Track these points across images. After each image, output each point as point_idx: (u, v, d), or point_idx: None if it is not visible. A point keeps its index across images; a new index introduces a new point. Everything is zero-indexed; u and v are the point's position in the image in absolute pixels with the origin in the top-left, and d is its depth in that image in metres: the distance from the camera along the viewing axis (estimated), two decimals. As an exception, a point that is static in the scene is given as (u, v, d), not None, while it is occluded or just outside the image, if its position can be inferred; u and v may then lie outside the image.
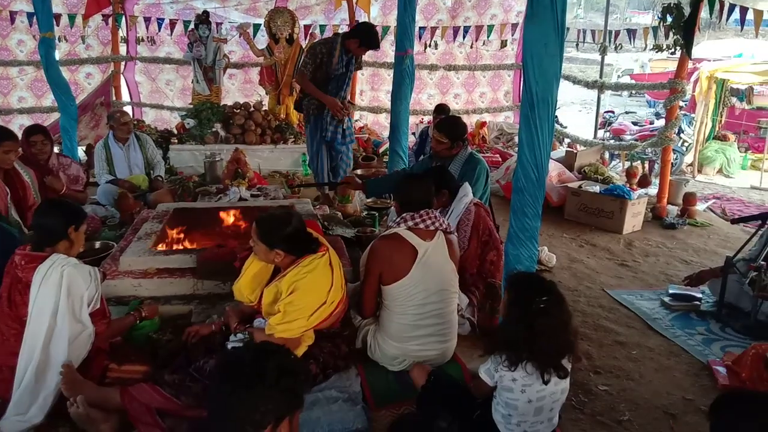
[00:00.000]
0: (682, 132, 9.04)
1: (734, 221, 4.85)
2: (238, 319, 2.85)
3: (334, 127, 5.48)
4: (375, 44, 5.38)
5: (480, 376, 2.33)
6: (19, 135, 7.23)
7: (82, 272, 2.60)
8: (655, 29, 6.62)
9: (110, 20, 8.73)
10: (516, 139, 8.73)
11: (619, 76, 19.21)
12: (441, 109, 6.82)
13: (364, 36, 5.24)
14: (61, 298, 2.51)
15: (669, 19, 5.63)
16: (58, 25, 7.76)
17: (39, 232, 2.71)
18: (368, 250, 2.98)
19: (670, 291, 4.12)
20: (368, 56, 9.53)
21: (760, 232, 3.96)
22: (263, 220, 2.72)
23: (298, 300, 2.60)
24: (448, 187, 3.51)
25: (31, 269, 2.54)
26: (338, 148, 5.59)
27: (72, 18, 8.34)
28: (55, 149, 5.11)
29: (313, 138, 5.57)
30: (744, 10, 5.65)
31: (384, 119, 9.60)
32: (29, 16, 7.95)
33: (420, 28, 8.68)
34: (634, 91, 17.87)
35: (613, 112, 13.45)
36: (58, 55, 6.51)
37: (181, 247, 4.26)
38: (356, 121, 9.65)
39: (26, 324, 2.52)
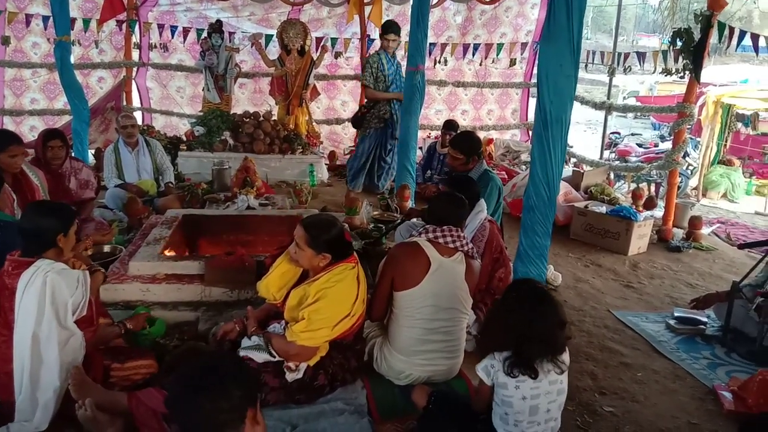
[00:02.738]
0: (688, 156, 9.09)
1: (741, 246, 4.86)
2: (257, 322, 2.86)
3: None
4: (384, 28, 6.60)
5: (480, 379, 2.34)
6: (31, 137, 7.33)
7: (67, 278, 2.53)
8: (665, 53, 6.67)
9: (124, 26, 8.81)
10: (522, 156, 8.77)
11: (624, 98, 19.35)
12: (450, 125, 6.86)
13: (382, 27, 6.70)
14: (46, 304, 2.47)
15: (679, 43, 5.69)
16: (72, 29, 7.83)
17: (26, 239, 2.60)
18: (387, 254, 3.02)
19: (676, 314, 4.11)
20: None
21: (766, 258, 3.96)
22: (312, 225, 2.70)
23: (325, 308, 2.61)
24: (468, 199, 3.51)
25: (16, 275, 2.50)
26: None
27: (86, 22, 8.42)
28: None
29: (369, 144, 6.71)
30: (755, 37, 5.69)
31: (391, 133, 9.66)
32: (44, 19, 8.04)
33: (430, 44, 8.74)
34: (639, 113, 17.96)
35: (619, 133, 13.50)
36: (72, 59, 6.57)
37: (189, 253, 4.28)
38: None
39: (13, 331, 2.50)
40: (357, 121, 6.68)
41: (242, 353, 2.69)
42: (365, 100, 7.00)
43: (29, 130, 8.53)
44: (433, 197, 3.13)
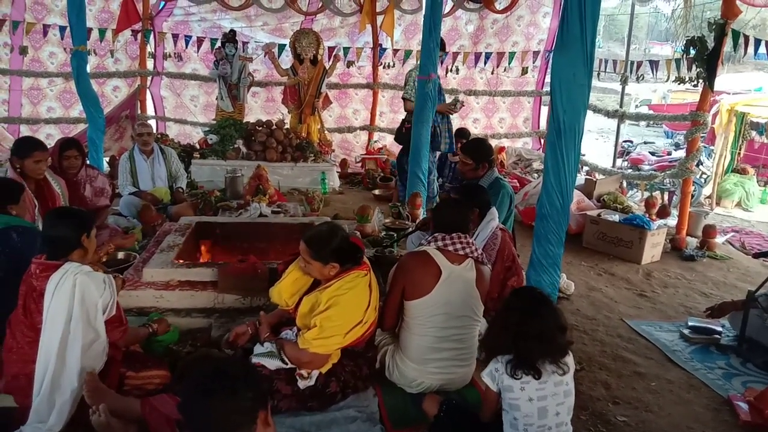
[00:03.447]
0: (701, 164, 9.01)
1: (756, 255, 4.81)
2: (270, 327, 2.87)
3: (449, 135, 6.13)
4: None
5: (486, 385, 2.34)
6: (48, 144, 7.43)
7: (95, 280, 2.60)
8: (677, 61, 6.64)
9: (139, 36, 8.93)
10: (534, 165, 8.76)
11: (637, 106, 19.26)
12: (461, 133, 6.87)
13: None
14: (74, 306, 2.52)
15: (692, 51, 5.66)
16: (89, 39, 7.95)
17: (52, 244, 2.67)
18: (397, 264, 3.00)
19: (690, 323, 4.08)
20: (389, 79, 9.69)
21: (782, 268, 3.93)
22: (313, 239, 2.72)
23: (336, 316, 2.62)
24: (480, 207, 3.52)
25: (45, 278, 2.55)
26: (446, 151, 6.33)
27: (102, 32, 8.55)
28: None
29: None
30: (770, 45, 5.66)
31: (403, 141, 9.67)
32: (61, 29, 8.16)
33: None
34: (651, 122, 17.85)
35: (631, 141, 13.44)
36: (88, 68, 6.66)
37: (203, 260, 4.31)
38: (375, 141, 9.75)
39: (41, 332, 2.54)
40: (402, 137, 6.43)
41: (255, 360, 2.71)
42: (406, 115, 6.58)
43: (45, 137, 8.59)
44: (437, 205, 3.14)
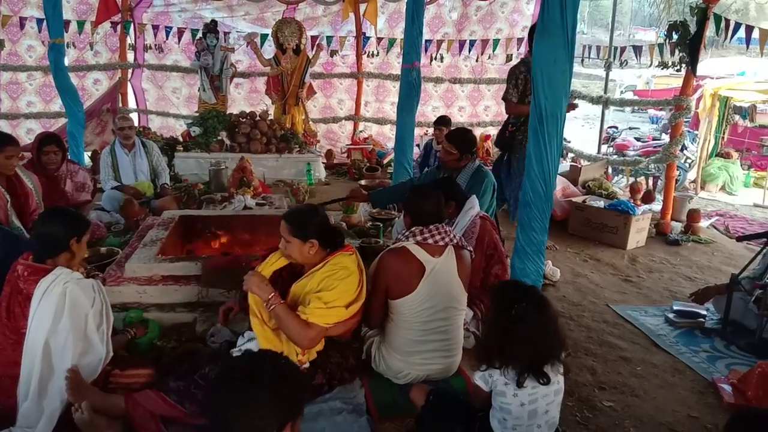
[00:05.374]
0: (686, 149, 9.08)
1: (740, 239, 4.84)
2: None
3: None
4: None
5: (478, 385, 2.30)
6: (27, 140, 7.33)
7: (85, 289, 2.55)
8: (661, 46, 6.66)
9: (119, 27, 8.81)
10: (520, 152, 8.74)
11: (622, 92, 19.37)
12: (443, 121, 6.82)
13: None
14: (64, 314, 2.46)
15: (675, 36, 5.67)
16: (67, 32, 7.82)
17: (40, 242, 2.64)
18: (376, 261, 2.93)
19: (675, 307, 4.11)
20: (373, 68, 9.64)
21: (765, 250, 3.95)
22: (292, 215, 2.72)
23: (336, 290, 2.59)
24: (455, 198, 3.51)
25: (33, 282, 2.49)
26: None
27: (81, 24, 8.42)
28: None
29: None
30: (749, 29, 5.68)
31: (388, 130, 9.65)
32: (39, 22, 8.03)
33: (426, 41, 8.73)
34: (636, 107, 17.96)
35: (616, 127, 13.50)
36: (66, 61, 6.56)
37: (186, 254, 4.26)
38: (361, 131, 9.71)
39: (25, 336, 2.49)
40: (504, 141, 5.40)
41: (237, 354, 2.69)
42: (509, 117, 5.50)
43: (26, 132, 8.52)
44: (410, 199, 3.01)
